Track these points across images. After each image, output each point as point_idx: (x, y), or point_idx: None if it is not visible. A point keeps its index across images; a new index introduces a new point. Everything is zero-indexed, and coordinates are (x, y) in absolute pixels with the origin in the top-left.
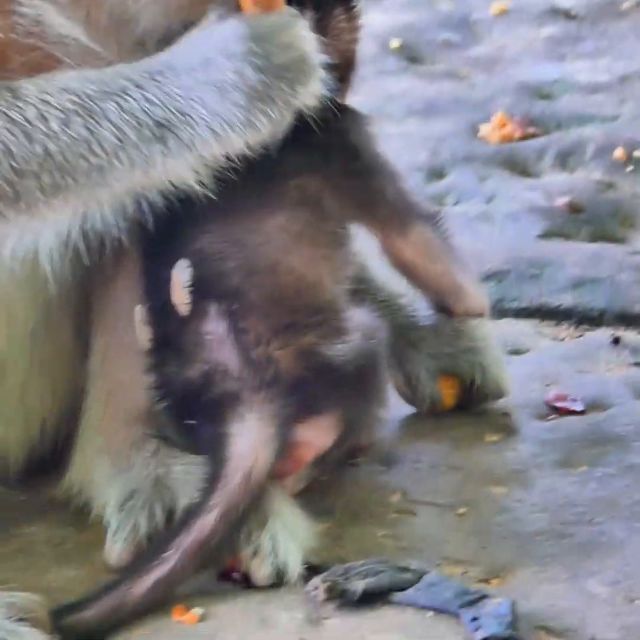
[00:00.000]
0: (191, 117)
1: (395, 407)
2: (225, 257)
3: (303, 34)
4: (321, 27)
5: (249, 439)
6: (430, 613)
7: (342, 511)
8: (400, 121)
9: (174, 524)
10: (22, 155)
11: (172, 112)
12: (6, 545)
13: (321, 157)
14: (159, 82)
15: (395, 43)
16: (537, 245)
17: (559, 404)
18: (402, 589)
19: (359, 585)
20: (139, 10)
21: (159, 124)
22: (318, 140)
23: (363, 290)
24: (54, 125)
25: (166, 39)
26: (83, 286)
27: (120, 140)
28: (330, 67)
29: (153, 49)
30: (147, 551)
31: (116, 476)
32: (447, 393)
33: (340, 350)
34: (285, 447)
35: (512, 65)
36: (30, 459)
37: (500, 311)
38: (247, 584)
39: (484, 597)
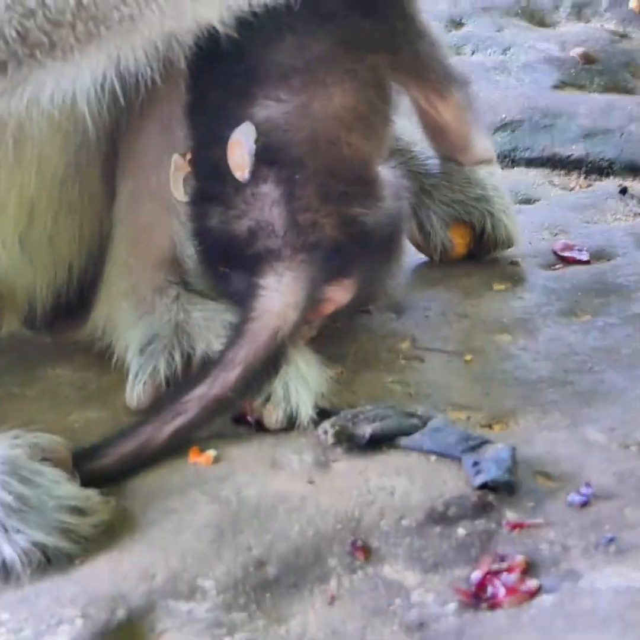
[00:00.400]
0: None
1: (407, 255)
2: (292, 127)
3: None
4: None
5: (281, 296)
6: (434, 457)
7: (353, 357)
8: None
9: (196, 372)
10: (55, 6)
11: None
12: (31, 387)
13: (387, 32)
14: None
15: None
16: (551, 95)
17: (565, 254)
18: (408, 434)
19: (366, 430)
20: None
21: None
22: (380, 17)
23: None
24: None
25: None
26: (111, 132)
27: None
28: None
29: None
30: (168, 399)
31: (138, 320)
32: (458, 242)
33: (375, 216)
34: (312, 308)
35: None
36: (57, 303)
37: (512, 160)
38: (259, 427)
39: (485, 442)
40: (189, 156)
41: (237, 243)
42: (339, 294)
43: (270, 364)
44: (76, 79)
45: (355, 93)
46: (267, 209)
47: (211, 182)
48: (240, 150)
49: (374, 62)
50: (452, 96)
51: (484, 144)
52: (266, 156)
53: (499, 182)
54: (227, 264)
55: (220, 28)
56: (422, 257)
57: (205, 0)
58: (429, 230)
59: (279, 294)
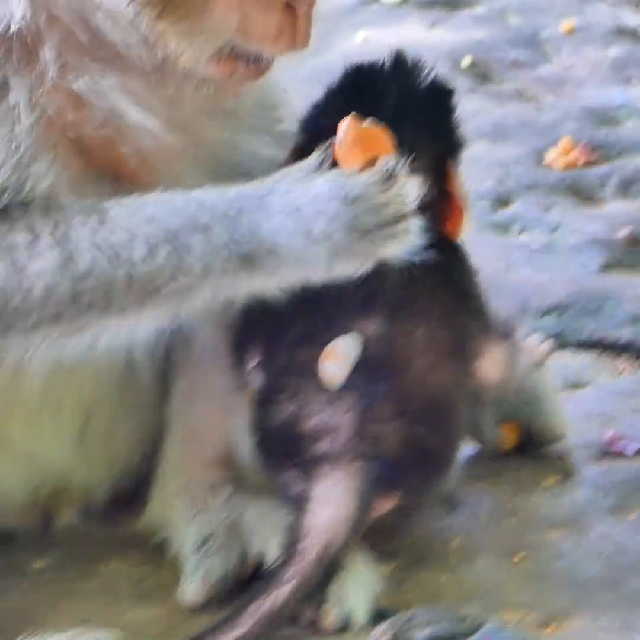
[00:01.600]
0: (276, 255)
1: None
2: (395, 345)
3: (399, 194)
4: (428, 171)
5: (332, 510)
6: None
7: (405, 554)
8: (469, 144)
9: (250, 590)
10: (106, 278)
11: (258, 248)
12: (89, 582)
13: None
14: (247, 219)
15: (466, 61)
16: (598, 278)
17: (613, 448)
18: (464, 637)
19: (422, 634)
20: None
21: (245, 258)
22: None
23: None
24: (139, 254)
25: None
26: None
27: (205, 271)
28: (434, 207)
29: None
30: (224, 617)
31: (193, 518)
32: (508, 436)
33: (437, 439)
34: (361, 519)
35: (579, 88)
36: (112, 497)
37: (560, 344)
38: (314, 629)
39: None
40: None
41: (300, 442)
42: (386, 504)
43: (322, 578)
44: (132, 331)
45: (434, 327)
46: (340, 413)
47: (291, 380)
48: (338, 358)
49: (443, 310)
50: (496, 350)
51: (530, 358)
52: (359, 370)
53: (547, 374)
54: (285, 461)
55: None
56: (473, 448)
57: (260, 280)
58: (481, 425)
59: (330, 507)
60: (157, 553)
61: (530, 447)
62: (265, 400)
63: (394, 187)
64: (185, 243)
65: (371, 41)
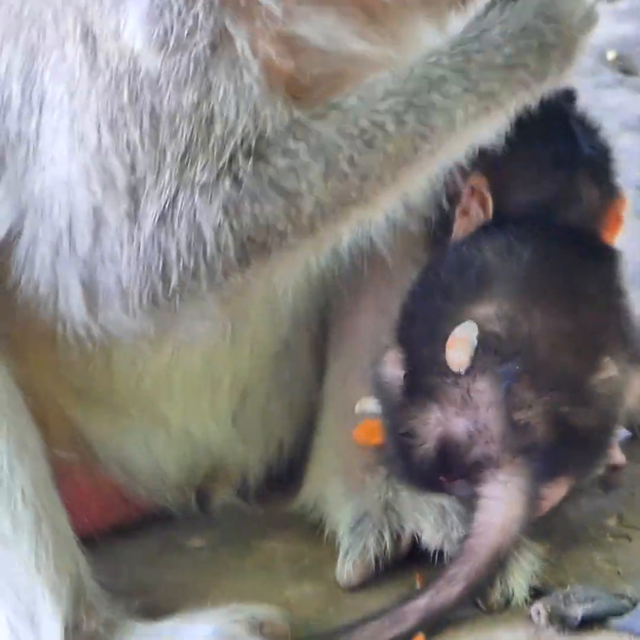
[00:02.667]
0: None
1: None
2: (515, 325)
3: None
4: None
5: (503, 508)
6: None
7: (561, 534)
8: (615, 136)
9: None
10: (366, 164)
11: (494, 77)
12: (247, 560)
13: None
14: (472, 57)
15: (611, 55)
16: None
17: None
18: (619, 615)
19: (578, 611)
20: None
21: (483, 94)
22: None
23: None
24: (390, 127)
25: None
26: (321, 312)
27: (449, 123)
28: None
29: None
30: (390, 611)
31: (349, 497)
32: None
33: (586, 415)
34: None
35: None
36: (268, 476)
37: None
38: (475, 605)
39: None
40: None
41: (456, 449)
42: (556, 492)
43: (492, 576)
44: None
45: (574, 312)
46: (483, 409)
47: (422, 376)
48: (460, 345)
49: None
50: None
51: None
52: (484, 350)
53: None
54: (444, 473)
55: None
56: (626, 431)
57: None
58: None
59: (502, 506)
60: (313, 531)
61: None
62: (405, 402)
63: None
64: (426, 100)
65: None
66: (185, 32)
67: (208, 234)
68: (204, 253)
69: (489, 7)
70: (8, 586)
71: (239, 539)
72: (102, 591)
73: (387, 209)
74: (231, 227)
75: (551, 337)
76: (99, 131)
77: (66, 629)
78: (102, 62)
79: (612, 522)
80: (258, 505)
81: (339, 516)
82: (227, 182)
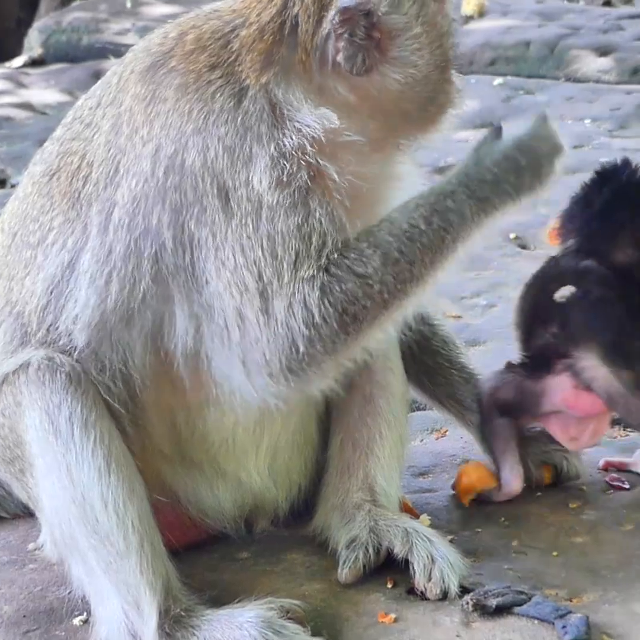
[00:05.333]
0: (498, 189)
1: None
2: None
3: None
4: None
5: None
6: (536, 621)
7: (481, 552)
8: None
9: None
10: (409, 251)
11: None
12: (276, 566)
13: None
14: (471, 177)
15: (512, 235)
16: None
17: (613, 483)
18: (520, 605)
19: (493, 602)
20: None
21: (482, 200)
22: None
23: None
24: (423, 226)
25: None
26: (325, 397)
27: (461, 221)
28: None
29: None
30: None
31: (344, 525)
32: (546, 475)
33: None
34: None
35: None
36: (291, 509)
37: None
38: (424, 597)
39: (569, 612)
40: None
41: None
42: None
43: None
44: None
45: None
46: None
47: None
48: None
49: None
50: None
51: None
52: None
53: None
54: None
55: None
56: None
57: (497, 213)
58: (530, 469)
59: None
60: (321, 547)
61: (561, 482)
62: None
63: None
64: (444, 206)
65: None
66: (294, 170)
67: (315, 311)
68: (315, 324)
69: (481, 143)
70: (122, 584)
71: (272, 553)
72: (184, 587)
73: (425, 292)
74: (329, 302)
75: None
76: (234, 256)
77: (159, 613)
78: (234, 206)
79: (515, 542)
80: (285, 529)
81: (338, 537)
82: (323, 274)
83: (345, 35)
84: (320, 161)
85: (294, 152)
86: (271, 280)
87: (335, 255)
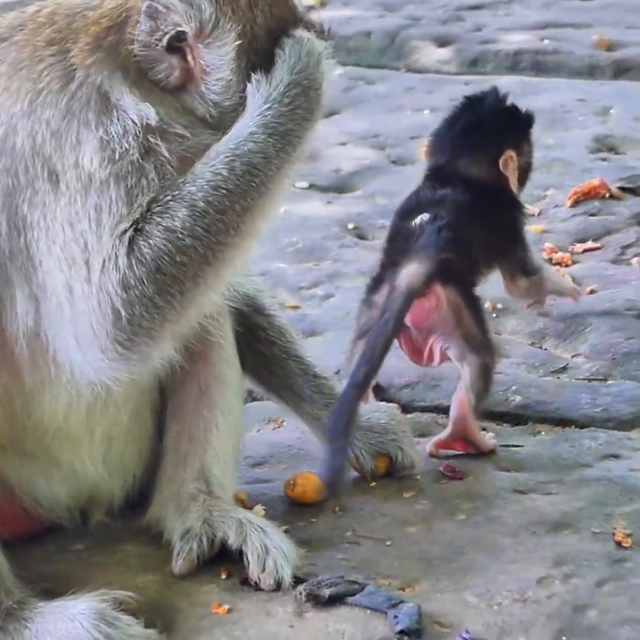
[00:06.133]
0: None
1: (350, 473)
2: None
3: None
4: (517, 147)
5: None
6: (369, 611)
7: (315, 542)
8: (353, 279)
9: None
10: (216, 201)
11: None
12: (110, 558)
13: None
14: (268, 115)
15: (351, 225)
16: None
17: (447, 473)
18: (353, 595)
19: (326, 592)
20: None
21: (281, 134)
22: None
23: None
24: (225, 173)
25: None
26: (161, 383)
27: (265, 159)
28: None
29: None
30: None
31: (179, 516)
32: (380, 465)
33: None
34: None
35: None
36: (126, 500)
37: (411, 408)
38: (257, 588)
39: (401, 602)
40: None
41: None
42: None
43: None
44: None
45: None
46: None
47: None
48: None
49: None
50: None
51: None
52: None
53: (406, 426)
54: None
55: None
56: (357, 474)
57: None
58: (362, 460)
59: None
60: (156, 538)
61: (395, 473)
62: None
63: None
64: (245, 150)
65: (290, 213)
66: (124, 149)
67: (127, 271)
68: (130, 285)
69: (259, 82)
70: None
71: (107, 544)
72: (16, 580)
73: (249, 243)
74: (139, 260)
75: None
76: (63, 232)
77: None
78: (64, 187)
79: (348, 533)
80: (120, 520)
81: (173, 528)
82: (132, 231)
83: (146, 30)
84: (151, 139)
85: (123, 136)
86: (93, 246)
87: (146, 212)
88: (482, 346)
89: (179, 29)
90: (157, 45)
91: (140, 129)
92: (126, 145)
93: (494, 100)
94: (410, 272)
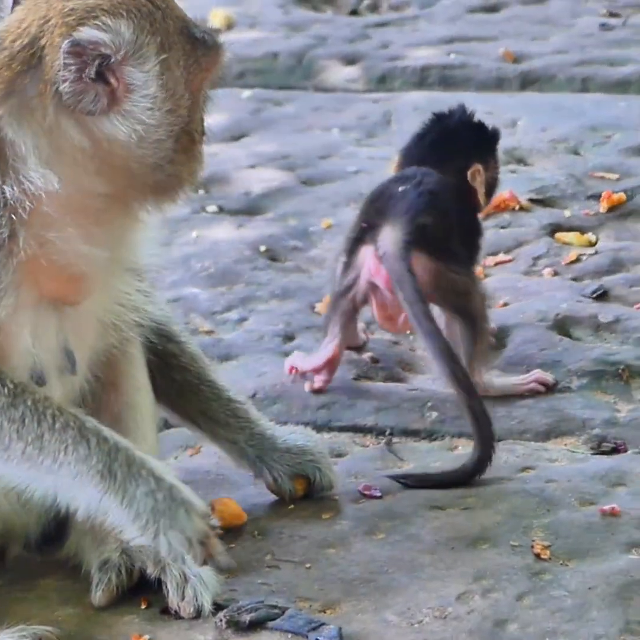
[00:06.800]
0: None
1: (268, 496)
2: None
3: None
4: (484, 161)
5: None
6: (290, 635)
7: (238, 566)
8: (265, 301)
9: None
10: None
11: None
12: (29, 592)
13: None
14: None
15: (263, 248)
16: (353, 383)
17: (366, 492)
18: (273, 619)
19: (246, 618)
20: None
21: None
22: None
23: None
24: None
25: None
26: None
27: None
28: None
29: None
30: None
31: (97, 547)
32: (299, 487)
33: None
34: None
35: None
36: (43, 534)
37: (329, 428)
38: (178, 617)
39: (322, 624)
40: None
41: None
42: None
43: None
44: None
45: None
46: None
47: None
48: None
49: None
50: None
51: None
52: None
53: (323, 447)
54: None
55: None
56: (275, 497)
57: None
58: (280, 482)
59: None
60: (74, 570)
61: (313, 494)
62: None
63: None
64: None
65: (201, 237)
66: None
67: None
68: None
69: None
70: None
71: (25, 579)
72: None
73: None
74: None
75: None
76: None
77: None
78: None
79: (268, 557)
80: (37, 554)
81: (91, 560)
82: None
83: (73, 68)
84: (21, 228)
85: (9, 204)
86: None
87: None
88: (465, 292)
89: (105, 55)
90: (83, 78)
91: (31, 201)
92: (6, 218)
93: (461, 116)
94: (393, 239)
